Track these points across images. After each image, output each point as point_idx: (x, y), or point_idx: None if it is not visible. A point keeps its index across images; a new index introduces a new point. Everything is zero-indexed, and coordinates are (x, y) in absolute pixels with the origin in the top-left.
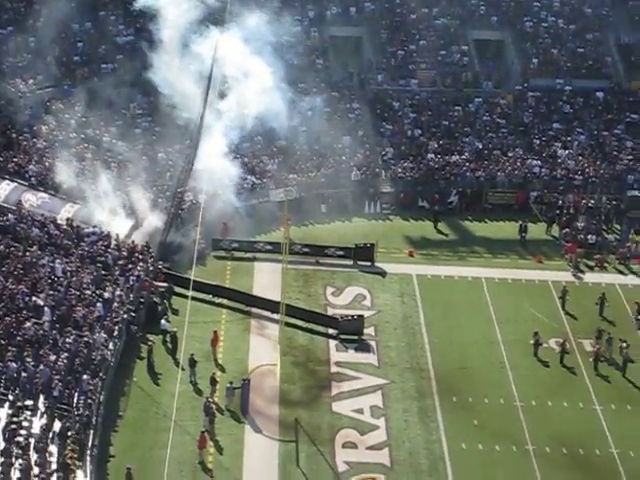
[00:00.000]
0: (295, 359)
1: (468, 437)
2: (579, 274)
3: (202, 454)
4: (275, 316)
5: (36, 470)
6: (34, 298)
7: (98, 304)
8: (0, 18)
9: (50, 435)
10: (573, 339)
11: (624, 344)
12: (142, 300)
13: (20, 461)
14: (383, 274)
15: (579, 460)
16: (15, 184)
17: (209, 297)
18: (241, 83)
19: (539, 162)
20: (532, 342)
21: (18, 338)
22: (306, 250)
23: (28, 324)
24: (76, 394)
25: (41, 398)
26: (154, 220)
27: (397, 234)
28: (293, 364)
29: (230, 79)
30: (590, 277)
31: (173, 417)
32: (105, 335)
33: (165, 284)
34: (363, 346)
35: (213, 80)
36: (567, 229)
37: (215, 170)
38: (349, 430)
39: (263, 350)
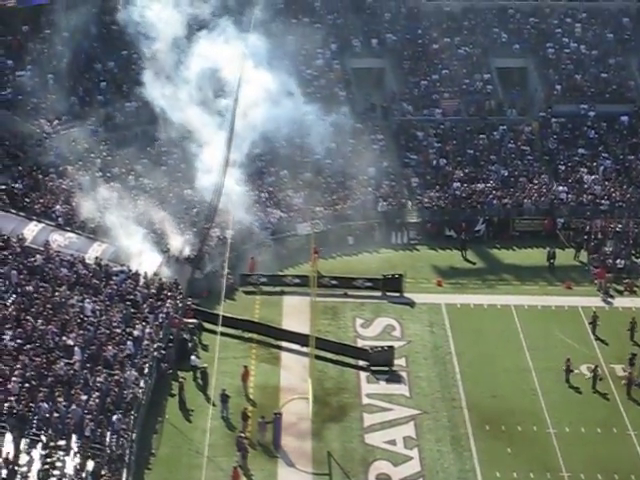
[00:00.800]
0: (326, 392)
1: (502, 465)
2: (609, 299)
3: None
4: (305, 349)
5: None
6: (64, 338)
7: (128, 342)
8: (23, 58)
9: (83, 475)
10: (605, 365)
11: None
12: (172, 337)
13: None
14: (412, 304)
15: None
16: (43, 225)
17: (239, 332)
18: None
19: (565, 188)
20: (564, 368)
21: (49, 378)
22: (334, 282)
23: (59, 364)
24: (108, 433)
25: (73, 438)
26: (182, 256)
27: (425, 264)
28: (324, 397)
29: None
30: (620, 302)
31: (206, 453)
32: (136, 373)
33: (194, 320)
34: (394, 377)
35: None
36: (595, 254)
37: (241, 205)
38: (382, 462)
39: (294, 384)
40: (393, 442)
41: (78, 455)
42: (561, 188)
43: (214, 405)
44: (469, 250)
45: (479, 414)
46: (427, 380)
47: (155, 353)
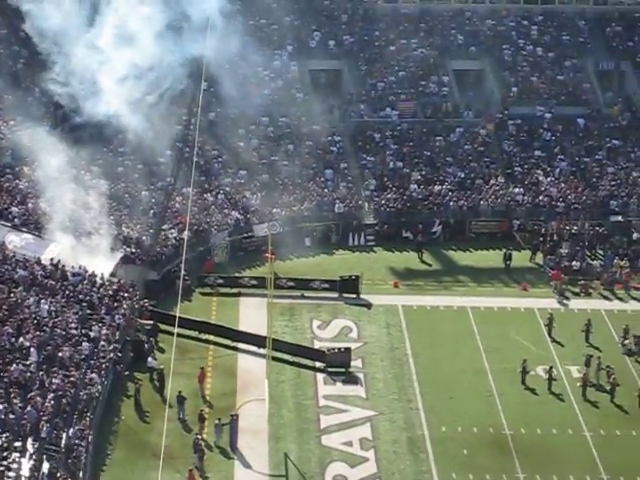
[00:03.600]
0: (283, 393)
1: (458, 467)
2: (564, 301)
3: None
4: (262, 351)
5: None
6: (20, 339)
7: (84, 343)
8: None
9: (39, 476)
10: (560, 366)
11: (611, 369)
12: (128, 338)
13: None
14: (369, 306)
15: None
16: None
17: (195, 333)
18: None
19: (521, 190)
20: (519, 370)
21: (5, 380)
22: (291, 284)
23: (14, 366)
24: (64, 434)
25: (29, 439)
26: (138, 258)
27: (382, 265)
28: (281, 398)
29: None
30: (575, 303)
31: (162, 455)
32: (92, 374)
33: (151, 322)
34: (351, 378)
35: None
36: (551, 256)
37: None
38: (339, 463)
39: (251, 385)
40: (350, 443)
41: (34, 457)
42: (517, 190)
43: (170, 407)
44: (426, 252)
45: (435, 416)
46: (384, 381)
47: (112, 354)
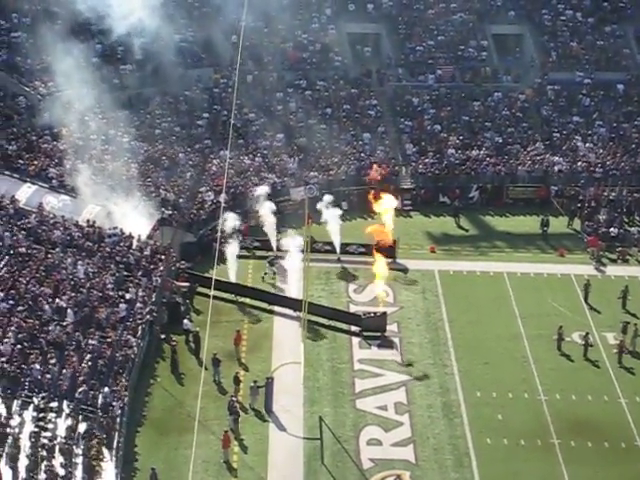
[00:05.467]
0: (318, 357)
1: (493, 432)
2: (601, 267)
3: (226, 453)
4: (298, 314)
5: (61, 472)
6: (57, 300)
7: (121, 305)
8: (17, 19)
9: (75, 437)
10: (596, 332)
11: None
12: (165, 300)
13: (45, 463)
14: (405, 270)
15: (604, 453)
16: (36, 187)
17: (231, 296)
18: None
19: (560, 158)
20: (555, 337)
21: (41, 341)
22: (328, 248)
23: (51, 326)
24: (100, 395)
25: (65, 400)
26: (175, 220)
27: (418, 230)
28: (317, 362)
29: None
30: (612, 270)
31: (197, 417)
32: (129, 336)
33: (187, 284)
34: (386, 343)
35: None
36: (589, 222)
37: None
38: (373, 427)
39: (286, 348)
40: (384, 408)
41: (70, 417)
42: (556, 159)
43: (206, 369)
44: (462, 217)
45: (470, 381)
46: (419, 346)
47: (148, 316)
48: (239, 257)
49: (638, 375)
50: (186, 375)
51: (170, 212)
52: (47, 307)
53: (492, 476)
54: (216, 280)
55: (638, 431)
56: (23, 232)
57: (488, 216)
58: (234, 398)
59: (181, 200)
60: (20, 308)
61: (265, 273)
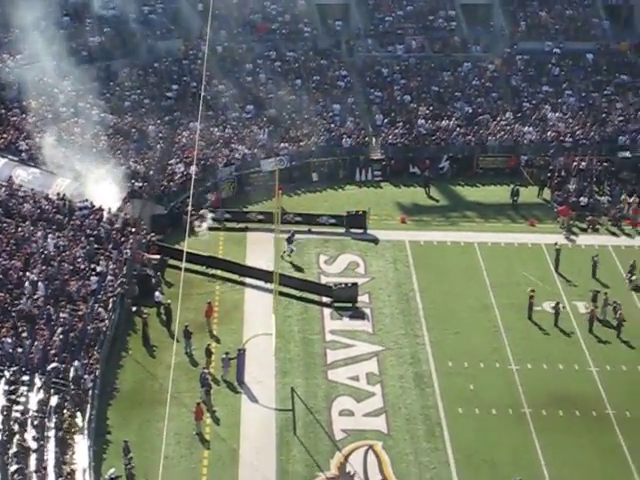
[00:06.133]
0: (290, 328)
1: (464, 402)
2: (572, 236)
3: (199, 425)
4: (269, 286)
5: (33, 445)
6: (27, 273)
7: (92, 278)
8: None
9: (47, 410)
10: (567, 301)
11: (618, 305)
12: (135, 273)
13: (17, 437)
14: (376, 241)
15: (575, 422)
16: (6, 160)
17: (202, 268)
18: None
19: (529, 126)
20: (529, 294)
21: (13, 314)
22: (298, 219)
23: (22, 300)
24: (72, 368)
25: (37, 373)
26: (145, 192)
27: (389, 201)
28: (288, 333)
29: None
30: (583, 239)
31: (169, 389)
32: (100, 309)
33: (158, 256)
34: (357, 313)
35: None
36: (559, 192)
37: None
38: (345, 397)
39: (258, 320)
40: (356, 378)
41: (42, 390)
42: (526, 128)
43: (177, 341)
44: (433, 187)
45: (442, 350)
46: (390, 317)
47: (119, 289)
48: (210, 229)
49: (608, 344)
50: (158, 347)
51: (140, 184)
52: (17, 280)
53: (464, 446)
54: (187, 252)
55: (609, 399)
56: None
57: (458, 186)
58: (206, 370)
59: (151, 172)
60: None
61: (284, 251)
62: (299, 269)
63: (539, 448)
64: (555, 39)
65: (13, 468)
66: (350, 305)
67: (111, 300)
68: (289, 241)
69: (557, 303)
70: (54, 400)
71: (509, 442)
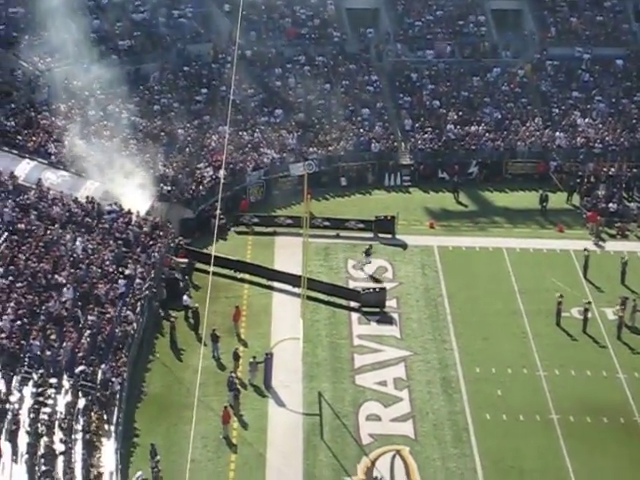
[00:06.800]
0: (317, 333)
1: (492, 407)
2: (600, 243)
3: (226, 429)
4: (297, 290)
5: (61, 448)
6: (56, 276)
7: (120, 281)
8: None
9: (74, 412)
10: (595, 308)
11: None
12: (164, 276)
13: (45, 439)
14: (404, 246)
15: (603, 429)
16: (35, 162)
17: (231, 272)
18: None
19: (559, 132)
20: (557, 300)
21: (41, 316)
22: (327, 224)
23: (51, 302)
24: (100, 371)
25: (65, 376)
26: (174, 196)
27: (417, 206)
28: (316, 338)
29: None
30: (612, 245)
31: (196, 393)
32: (128, 312)
33: (186, 260)
34: (385, 318)
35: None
36: (588, 198)
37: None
38: (373, 402)
39: (286, 324)
40: (384, 383)
41: (69, 393)
42: (555, 134)
43: (205, 345)
44: (462, 192)
45: (469, 356)
46: (418, 322)
47: (147, 292)
48: (238, 233)
49: (637, 350)
50: (185, 351)
51: (169, 188)
52: (46, 283)
53: (491, 451)
54: (215, 256)
55: (637, 406)
56: (22, 208)
57: (487, 192)
58: (233, 374)
59: (180, 176)
60: (19, 284)
61: (361, 262)
62: (376, 280)
63: (566, 455)
64: (585, 45)
65: (41, 470)
66: (378, 310)
67: (139, 303)
68: (367, 253)
69: (586, 310)
70: (82, 403)
71: (536, 448)
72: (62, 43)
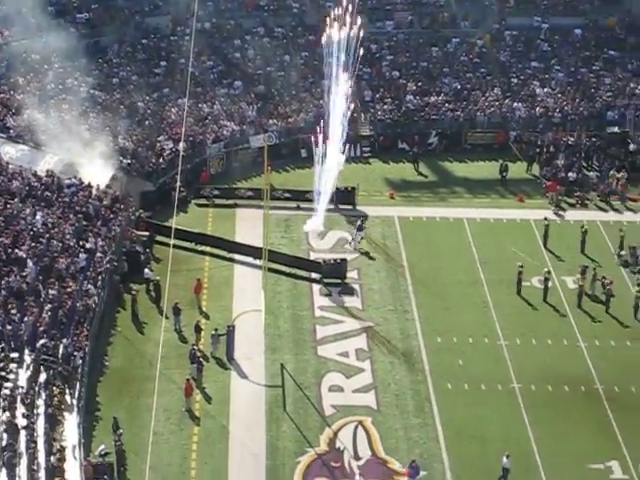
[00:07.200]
0: (279, 304)
1: (453, 377)
2: (560, 212)
3: (189, 402)
4: (258, 262)
5: (23, 422)
6: (16, 250)
7: (81, 255)
8: None
9: (36, 386)
10: (556, 277)
11: (607, 280)
12: (124, 250)
13: (7, 413)
14: (365, 217)
15: (564, 397)
16: None
17: (191, 245)
18: None
19: (518, 101)
20: (518, 269)
21: (2, 291)
22: (287, 195)
23: (11, 277)
24: (61, 345)
25: (26, 350)
26: (133, 169)
27: (377, 177)
28: (277, 309)
29: None
30: (571, 215)
31: (158, 366)
32: (89, 286)
33: (147, 233)
34: (347, 289)
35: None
36: (547, 167)
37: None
38: (335, 374)
39: (247, 296)
40: (346, 354)
41: (31, 367)
42: (515, 104)
43: (167, 317)
44: (422, 163)
45: (431, 326)
46: (379, 292)
47: (108, 265)
48: (199, 205)
49: (597, 319)
50: (147, 324)
51: (129, 161)
52: (6, 257)
53: (453, 421)
54: (176, 229)
55: (597, 375)
56: None
57: (447, 162)
58: (195, 347)
59: (140, 149)
60: None
61: (352, 239)
62: (369, 256)
63: (528, 423)
64: (544, 14)
65: (3, 444)
66: (339, 281)
67: (100, 277)
68: (359, 229)
69: (546, 279)
70: (43, 377)
71: (498, 417)
72: (19, 16)
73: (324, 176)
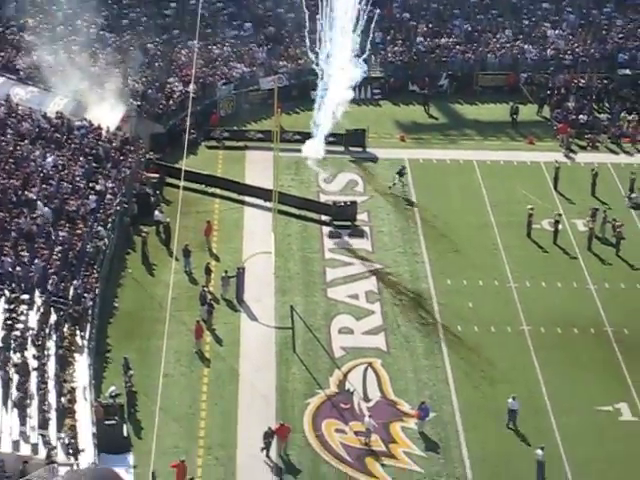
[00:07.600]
0: (289, 246)
1: (463, 320)
2: (571, 154)
3: (199, 343)
4: (268, 204)
5: (34, 363)
6: (26, 192)
7: (91, 197)
8: None
9: (47, 328)
10: (566, 219)
11: (617, 222)
12: (134, 192)
13: (18, 355)
14: (375, 159)
15: (574, 340)
16: (3, 78)
17: (201, 187)
18: None
19: (529, 43)
20: (528, 211)
21: (12, 233)
22: (297, 137)
23: (22, 219)
24: (71, 287)
25: (37, 292)
26: (144, 111)
27: (388, 119)
28: (287, 251)
29: None
30: (582, 157)
31: (169, 307)
32: (99, 227)
33: (157, 175)
34: (357, 232)
35: None
36: (558, 109)
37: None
38: (345, 316)
39: (257, 238)
40: (355, 296)
41: (41, 309)
42: (526, 46)
43: (177, 259)
44: (432, 105)
45: (441, 268)
46: (389, 235)
47: (118, 207)
48: (209, 147)
49: (607, 261)
50: (157, 266)
51: (139, 103)
52: (16, 199)
53: (462, 363)
54: (186, 171)
55: (607, 317)
56: None
57: (457, 104)
58: (205, 288)
59: (150, 91)
60: None
61: (394, 183)
62: (410, 202)
63: (537, 365)
64: None
65: (15, 385)
66: (349, 223)
67: (110, 219)
68: (400, 174)
69: (556, 221)
70: (54, 318)
71: (508, 359)
72: None
73: (325, 102)
